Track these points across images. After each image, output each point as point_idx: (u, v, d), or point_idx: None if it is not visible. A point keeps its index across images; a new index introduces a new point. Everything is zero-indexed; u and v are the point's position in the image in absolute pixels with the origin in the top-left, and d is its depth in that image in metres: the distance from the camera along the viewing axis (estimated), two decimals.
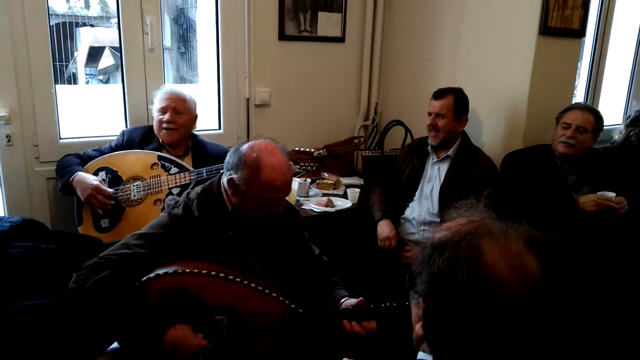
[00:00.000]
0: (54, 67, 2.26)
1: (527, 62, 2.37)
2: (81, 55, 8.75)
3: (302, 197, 2.56)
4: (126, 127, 2.46)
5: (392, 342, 1.53)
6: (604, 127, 2.28)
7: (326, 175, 2.81)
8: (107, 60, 8.57)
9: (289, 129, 2.91)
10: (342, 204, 2.53)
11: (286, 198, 1.55)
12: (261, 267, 1.51)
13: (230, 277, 1.41)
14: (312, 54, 2.95)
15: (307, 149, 2.40)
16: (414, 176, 2.38)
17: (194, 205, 1.47)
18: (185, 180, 2.11)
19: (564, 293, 0.65)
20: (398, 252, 2.30)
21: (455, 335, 0.65)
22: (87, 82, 9.05)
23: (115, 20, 2.43)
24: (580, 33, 2.55)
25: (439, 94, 2.29)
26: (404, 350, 0.92)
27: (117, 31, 2.40)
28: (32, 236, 1.69)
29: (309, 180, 2.64)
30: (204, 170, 2.11)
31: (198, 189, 1.54)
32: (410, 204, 2.37)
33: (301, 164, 2.34)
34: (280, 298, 1.46)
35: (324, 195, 2.63)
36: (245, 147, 1.44)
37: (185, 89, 2.34)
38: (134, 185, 2.10)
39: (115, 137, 2.30)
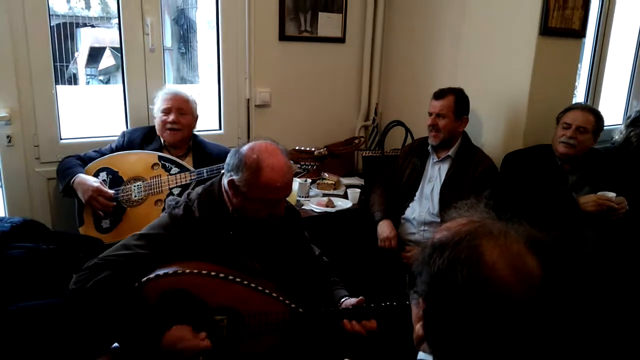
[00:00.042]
0: (55, 67, 2.25)
1: (528, 62, 2.37)
2: (82, 55, 8.76)
3: (302, 197, 2.56)
4: (127, 127, 2.46)
5: (392, 341, 1.53)
6: (604, 127, 2.28)
7: (326, 175, 2.81)
8: (107, 60, 8.58)
9: (290, 129, 2.91)
10: (342, 204, 2.53)
11: (287, 198, 1.55)
12: (261, 267, 1.51)
13: (230, 277, 1.41)
14: (312, 55, 2.95)
15: (308, 148, 2.40)
16: (415, 176, 2.38)
17: (195, 206, 1.47)
18: (185, 180, 2.11)
19: (564, 293, 0.65)
20: (398, 253, 2.30)
21: (456, 336, 0.66)
22: (88, 83, 9.06)
23: (116, 20, 2.43)
24: (581, 33, 2.55)
25: (439, 94, 2.29)
26: (404, 350, 0.92)
27: (117, 31, 2.41)
28: (33, 237, 1.69)
29: (309, 180, 2.64)
30: (205, 170, 2.11)
31: (199, 189, 1.54)
32: (410, 204, 2.38)
33: (302, 163, 2.35)
34: (281, 298, 1.46)
35: (325, 195, 2.63)
36: (245, 148, 1.43)
37: (185, 90, 2.34)
38: (134, 186, 2.10)
39: (116, 138, 2.30)
